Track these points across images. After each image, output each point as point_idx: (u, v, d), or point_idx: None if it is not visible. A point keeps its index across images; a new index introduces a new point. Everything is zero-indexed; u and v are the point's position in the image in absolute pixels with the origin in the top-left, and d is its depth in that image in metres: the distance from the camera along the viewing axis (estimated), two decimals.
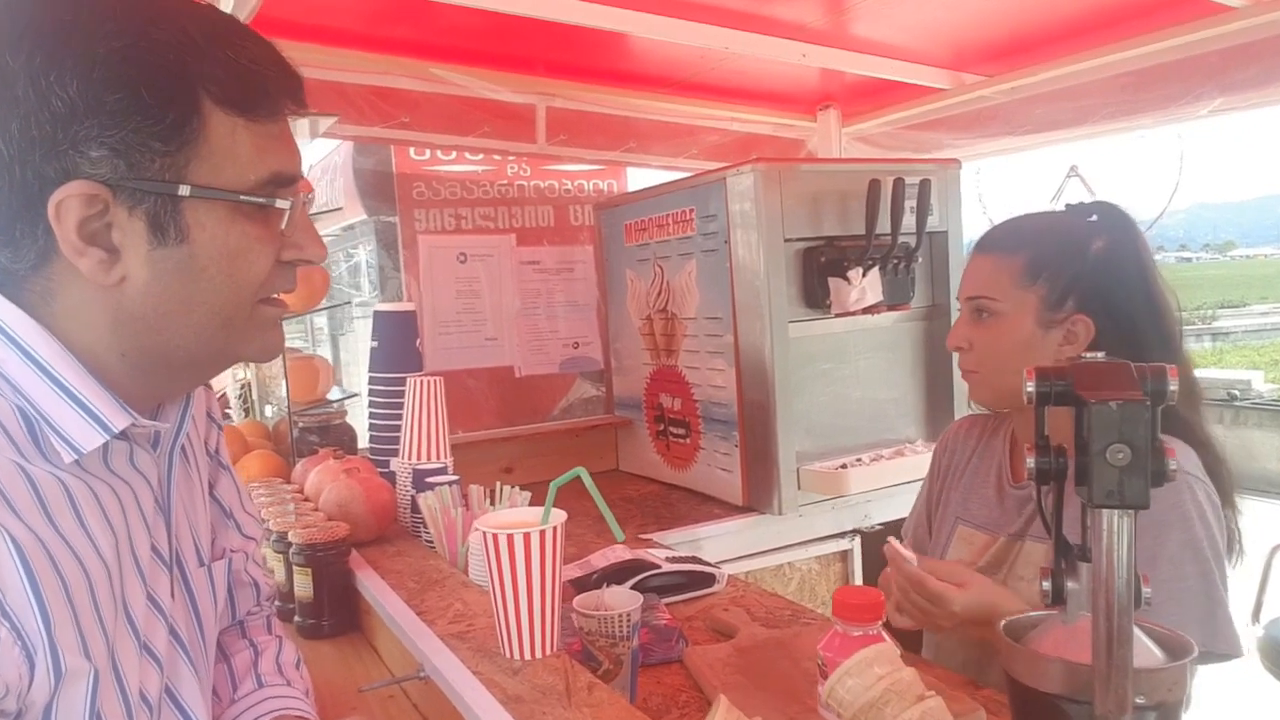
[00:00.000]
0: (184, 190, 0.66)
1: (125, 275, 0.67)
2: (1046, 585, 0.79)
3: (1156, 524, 1.10)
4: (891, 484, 2.04)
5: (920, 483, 1.55)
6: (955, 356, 1.35)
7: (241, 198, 0.69)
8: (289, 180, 0.73)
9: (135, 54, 0.64)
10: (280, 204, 0.71)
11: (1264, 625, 2.58)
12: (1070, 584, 0.78)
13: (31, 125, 0.62)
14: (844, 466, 2.02)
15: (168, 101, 0.65)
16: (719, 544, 1.94)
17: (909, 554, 1.10)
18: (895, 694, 0.74)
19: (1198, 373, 1.34)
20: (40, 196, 0.63)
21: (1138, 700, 0.68)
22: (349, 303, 3.06)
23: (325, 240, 0.81)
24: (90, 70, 0.62)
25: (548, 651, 1.00)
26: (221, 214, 0.68)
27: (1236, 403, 9.00)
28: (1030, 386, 0.77)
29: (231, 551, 0.92)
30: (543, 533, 0.96)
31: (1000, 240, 1.30)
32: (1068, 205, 1.32)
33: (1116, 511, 0.68)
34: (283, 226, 0.73)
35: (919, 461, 1.53)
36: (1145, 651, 0.73)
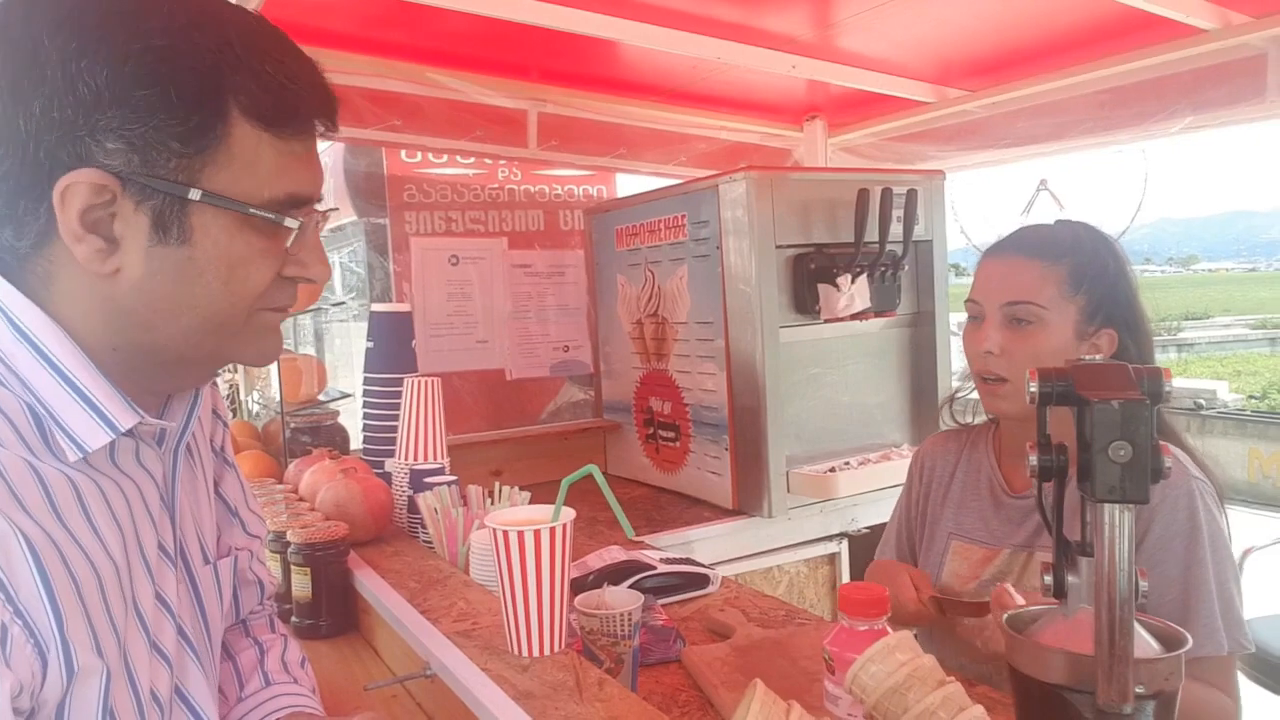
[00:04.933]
0: (194, 194, 0.65)
1: (120, 267, 0.66)
2: (1048, 580, 0.81)
3: (1184, 533, 1.12)
4: (879, 487, 2.07)
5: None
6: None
7: (251, 211, 0.68)
8: (305, 201, 0.72)
9: (171, 54, 0.63)
10: (289, 223, 0.70)
11: None
12: (1071, 578, 0.80)
13: (54, 107, 0.62)
14: (833, 470, 2.04)
15: (195, 105, 0.64)
16: (709, 546, 1.96)
17: (1020, 598, 1.03)
18: (917, 680, 0.76)
19: None
20: (49, 178, 0.63)
21: (1138, 690, 0.70)
22: (343, 302, 3.04)
23: None
24: (123, 63, 0.62)
25: (556, 648, 1.00)
26: (228, 222, 0.68)
27: (1203, 412, 9.22)
28: (1033, 387, 0.80)
29: (236, 549, 0.92)
30: (553, 529, 0.97)
31: (1040, 246, 1.25)
32: (1058, 220, 1.32)
33: (1118, 506, 0.71)
34: (289, 244, 0.72)
35: (905, 466, 1.55)
36: (1142, 643, 0.75)
